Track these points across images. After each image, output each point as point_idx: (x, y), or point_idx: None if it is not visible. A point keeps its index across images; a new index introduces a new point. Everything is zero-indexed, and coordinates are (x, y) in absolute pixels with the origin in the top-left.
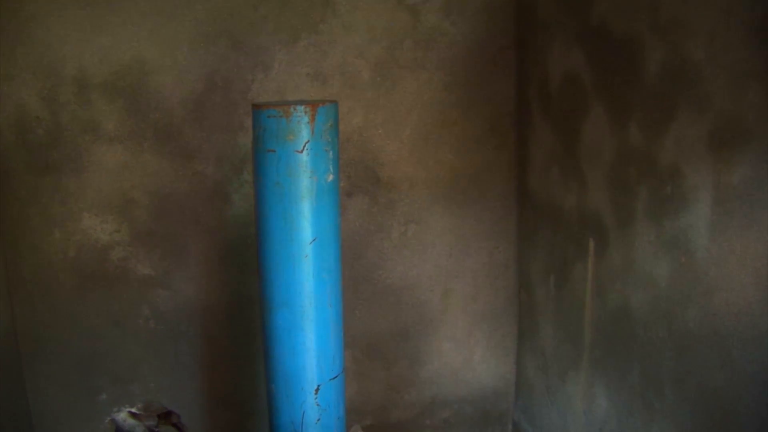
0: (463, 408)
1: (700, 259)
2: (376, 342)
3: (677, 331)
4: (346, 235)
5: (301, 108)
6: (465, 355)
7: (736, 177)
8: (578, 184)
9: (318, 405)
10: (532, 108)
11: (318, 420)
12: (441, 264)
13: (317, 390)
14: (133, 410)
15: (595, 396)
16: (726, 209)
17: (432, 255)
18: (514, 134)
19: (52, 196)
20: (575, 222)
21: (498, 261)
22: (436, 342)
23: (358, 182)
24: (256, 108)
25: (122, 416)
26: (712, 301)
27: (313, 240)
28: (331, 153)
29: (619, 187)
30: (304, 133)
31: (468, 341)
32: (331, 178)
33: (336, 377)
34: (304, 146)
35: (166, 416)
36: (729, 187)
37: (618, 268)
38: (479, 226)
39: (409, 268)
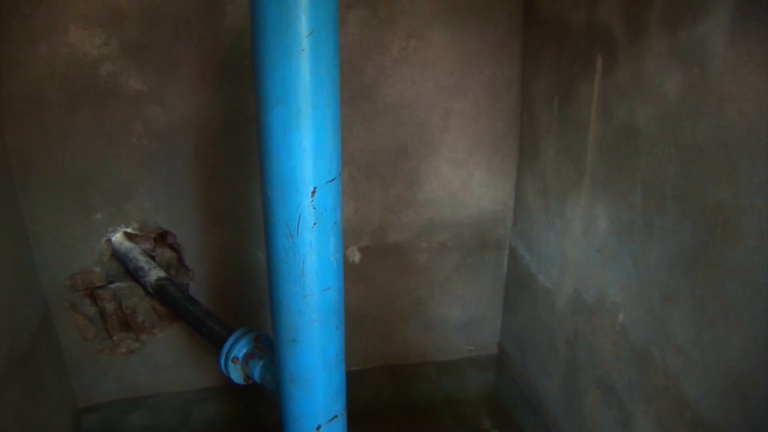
0: (460, 231)
1: (714, 69)
2: (374, 161)
3: (684, 145)
4: (344, 49)
5: None
6: (464, 178)
7: None
8: None
9: (314, 208)
10: None
11: (314, 224)
12: (442, 82)
13: (314, 192)
14: (129, 230)
15: (595, 217)
16: (748, 12)
17: (433, 73)
18: None
19: (36, 7)
20: (583, 39)
21: (500, 81)
22: (435, 163)
23: None
24: None
25: (118, 238)
26: (724, 113)
27: (311, 33)
28: None
29: None
30: None
31: (467, 163)
32: None
33: (333, 180)
34: None
35: (161, 237)
36: None
37: (626, 85)
38: (482, 45)
39: (409, 85)
